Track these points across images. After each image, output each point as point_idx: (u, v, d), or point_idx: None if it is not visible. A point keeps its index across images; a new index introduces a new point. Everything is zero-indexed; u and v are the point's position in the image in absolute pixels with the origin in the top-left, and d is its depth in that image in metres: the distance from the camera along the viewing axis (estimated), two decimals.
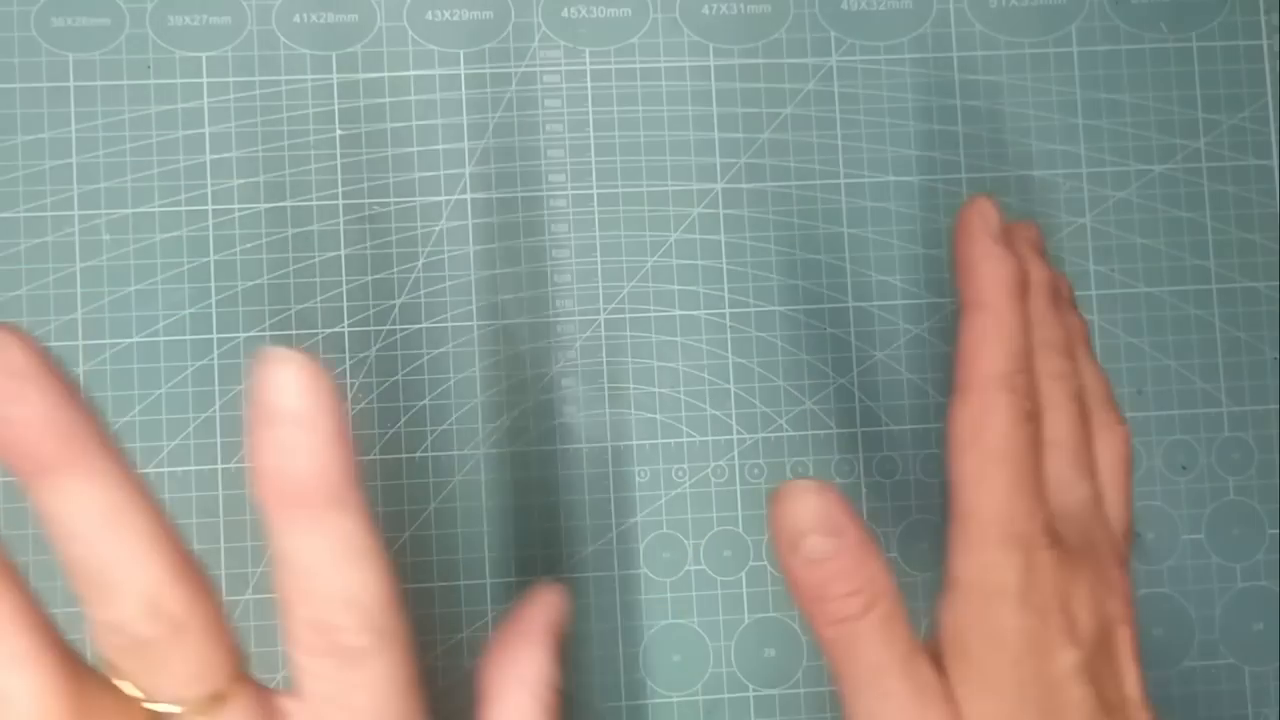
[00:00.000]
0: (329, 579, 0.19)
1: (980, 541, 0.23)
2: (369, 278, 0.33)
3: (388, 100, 0.33)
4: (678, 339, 0.33)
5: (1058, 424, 0.25)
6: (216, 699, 0.19)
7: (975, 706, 0.23)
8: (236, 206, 0.33)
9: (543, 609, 0.24)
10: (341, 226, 0.33)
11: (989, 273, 0.24)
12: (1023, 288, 0.25)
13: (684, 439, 0.33)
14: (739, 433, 0.33)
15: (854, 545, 0.22)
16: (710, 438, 0.33)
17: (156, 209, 0.32)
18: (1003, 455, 0.23)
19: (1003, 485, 0.23)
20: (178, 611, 0.19)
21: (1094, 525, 0.25)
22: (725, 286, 0.34)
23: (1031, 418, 0.24)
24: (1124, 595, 0.25)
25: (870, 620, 0.23)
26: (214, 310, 0.32)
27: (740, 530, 0.33)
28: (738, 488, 0.33)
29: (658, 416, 0.33)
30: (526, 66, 0.34)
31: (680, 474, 0.33)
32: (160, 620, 0.18)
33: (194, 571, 0.19)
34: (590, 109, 0.34)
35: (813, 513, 0.22)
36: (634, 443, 0.33)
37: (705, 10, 0.34)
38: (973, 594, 0.23)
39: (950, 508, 0.24)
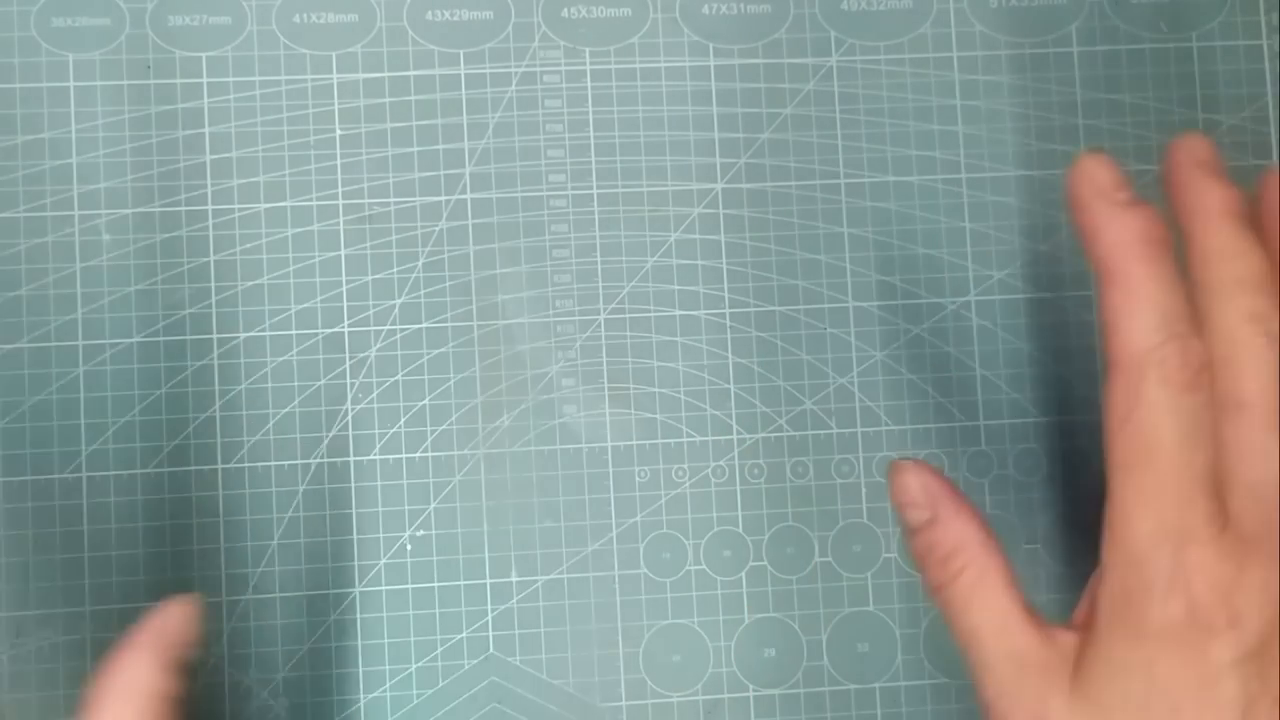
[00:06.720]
0: None
1: (1128, 536, 0.23)
2: (369, 278, 0.33)
3: (388, 100, 0.33)
4: (678, 339, 0.33)
5: (1247, 377, 0.23)
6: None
7: (1107, 688, 0.23)
8: (236, 206, 0.33)
9: (160, 619, 0.25)
10: (341, 226, 0.33)
11: (1110, 239, 0.23)
12: (1156, 243, 0.23)
13: (684, 439, 0.33)
14: (739, 433, 0.33)
15: (945, 515, 0.24)
16: (710, 438, 0.33)
17: (156, 209, 0.32)
18: (1152, 442, 0.22)
19: (1152, 475, 0.22)
20: None
21: None
22: (725, 286, 0.34)
23: (1193, 386, 0.22)
24: None
25: (961, 584, 0.24)
26: (214, 310, 0.32)
27: (740, 530, 0.33)
28: (738, 488, 0.33)
29: (658, 416, 0.33)
30: (526, 66, 0.34)
31: (680, 474, 0.33)
32: None
33: None
34: (590, 109, 0.34)
35: (907, 487, 0.25)
36: (634, 443, 0.33)
37: (705, 10, 0.34)
38: (1117, 585, 0.23)
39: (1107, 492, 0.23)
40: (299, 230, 0.33)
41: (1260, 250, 0.23)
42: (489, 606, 0.32)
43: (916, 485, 0.25)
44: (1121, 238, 0.23)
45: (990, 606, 0.24)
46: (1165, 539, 0.22)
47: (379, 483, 0.32)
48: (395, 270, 0.33)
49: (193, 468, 0.32)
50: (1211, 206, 0.23)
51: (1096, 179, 0.24)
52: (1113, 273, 0.23)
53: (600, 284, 0.33)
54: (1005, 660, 0.23)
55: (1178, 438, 0.22)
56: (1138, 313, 0.23)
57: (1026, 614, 0.24)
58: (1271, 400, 0.23)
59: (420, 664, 0.32)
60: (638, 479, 0.33)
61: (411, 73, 0.33)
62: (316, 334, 0.33)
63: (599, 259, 0.33)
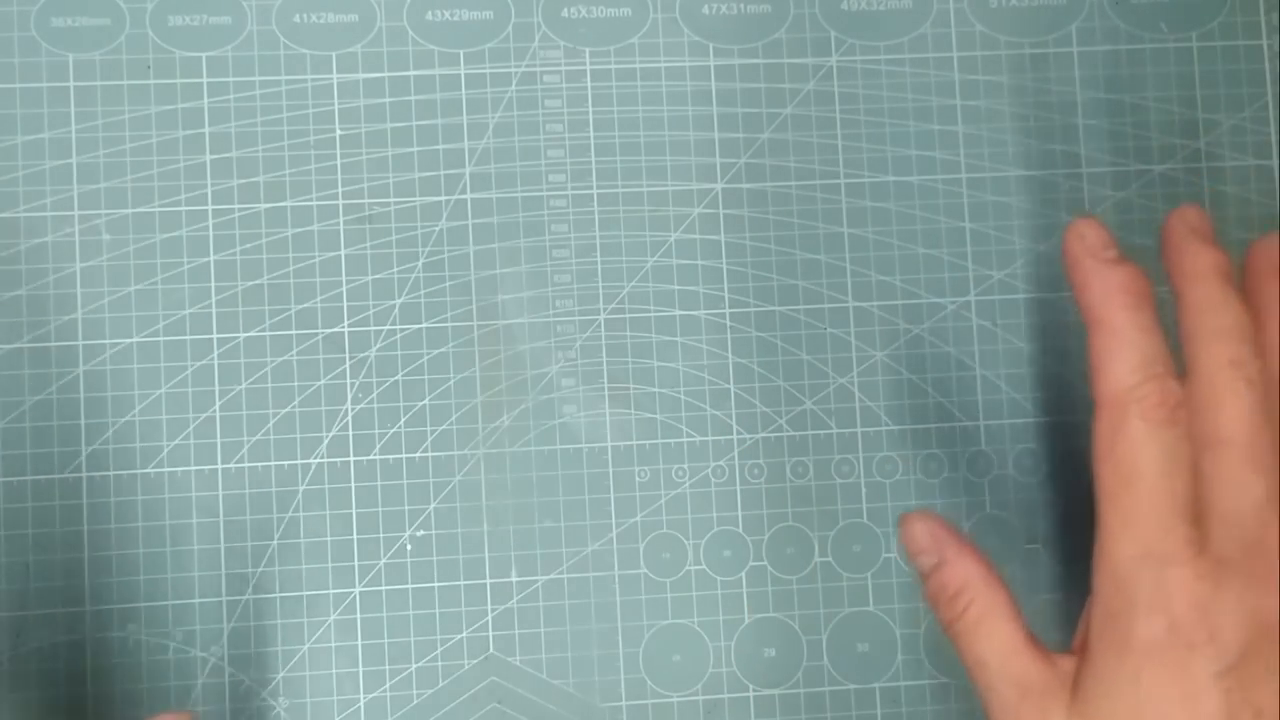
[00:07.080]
0: None
1: (1113, 559, 0.24)
2: (369, 278, 0.33)
3: (388, 100, 0.33)
4: (678, 339, 0.33)
5: (1227, 416, 0.25)
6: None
7: (1100, 705, 0.24)
8: (236, 206, 0.33)
9: None
10: (341, 226, 0.33)
11: (1097, 290, 0.25)
12: (1137, 295, 0.25)
13: (684, 439, 0.33)
14: (739, 433, 0.33)
15: (950, 557, 0.26)
16: (710, 438, 0.33)
17: (156, 209, 0.32)
18: (1133, 471, 0.24)
19: (1133, 502, 0.24)
20: None
21: (1265, 527, 0.24)
22: (725, 286, 0.34)
23: (1170, 421, 0.24)
24: None
25: (968, 618, 0.26)
26: (214, 310, 0.32)
27: (740, 530, 0.33)
28: (738, 488, 0.33)
29: (658, 416, 0.33)
30: (526, 66, 0.34)
31: (680, 474, 0.33)
32: None
33: None
34: (590, 109, 0.34)
35: (915, 536, 0.27)
36: (634, 443, 0.33)
37: (705, 10, 0.34)
38: (1104, 606, 0.25)
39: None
40: (299, 230, 0.33)
41: (1242, 305, 0.26)
42: (489, 606, 0.32)
43: (924, 533, 0.27)
44: (1106, 290, 0.25)
45: (995, 637, 0.25)
46: (1147, 561, 0.24)
47: (379, 483, 0.32)
48: (395, 270, 0.33)
49: (193, 468, 0.32)
50: (1200, 267, 0.26)
51: (1087, 239, 0.26)
52: (1098, 320, 0.25)
53: (600, 284, 0.33)
54: (1009, 686, 0.25)
55: (1157, 467, 0.24)
56: (1120, 356, 0.25)
57: (1029, 642, 0.26)
58: (1248, 437, 0.25)
59: (420, 664, 0.32)
60: (638, 479, 0.33)
61: (411, 73, 0.33)
62: (316, 334, 0.33)
63: (599, 259, 0.33)
